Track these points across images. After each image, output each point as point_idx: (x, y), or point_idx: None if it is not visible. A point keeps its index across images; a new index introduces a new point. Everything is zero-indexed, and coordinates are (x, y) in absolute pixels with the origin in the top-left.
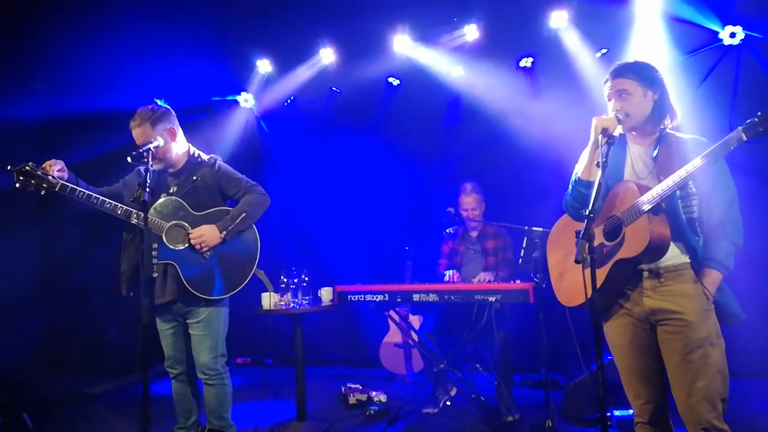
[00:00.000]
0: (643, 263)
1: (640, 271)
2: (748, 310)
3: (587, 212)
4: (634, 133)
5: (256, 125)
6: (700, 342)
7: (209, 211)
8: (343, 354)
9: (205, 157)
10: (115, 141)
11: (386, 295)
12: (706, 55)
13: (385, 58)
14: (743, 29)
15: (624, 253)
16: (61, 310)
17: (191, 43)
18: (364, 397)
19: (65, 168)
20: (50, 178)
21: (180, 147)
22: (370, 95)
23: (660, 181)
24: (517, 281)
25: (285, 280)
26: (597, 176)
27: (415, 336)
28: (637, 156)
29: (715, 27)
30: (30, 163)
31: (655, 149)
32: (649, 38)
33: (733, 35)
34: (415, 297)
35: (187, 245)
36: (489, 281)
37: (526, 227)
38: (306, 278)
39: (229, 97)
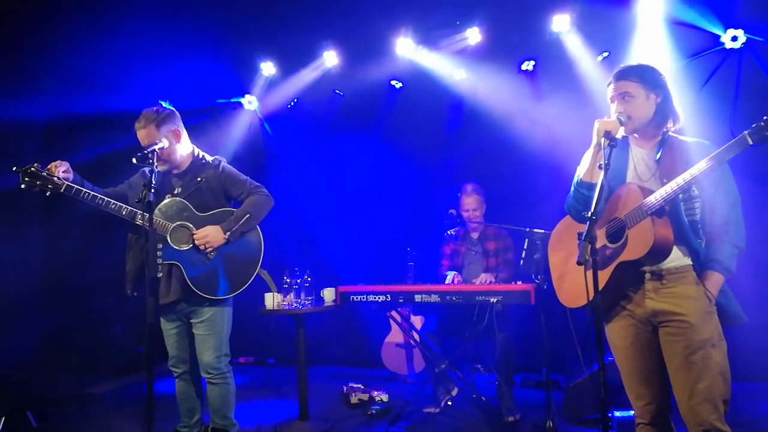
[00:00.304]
0: (645, 265)
1: (642, 273)
2: (750, 313)
3: (589, 214)
4: (636, 135)
5: (259, 127)
6: (702, 344)
7: (213, 212)
8: (345, 354)
9: (209, 158)
10: (120, 142)
11: (388, 295)
12: (708, 59)
13: (388, 61)
14: (745, 33)
15: (627, 255)
16: (66, 310)
17: (196, 46)
18: (365, 397)
19: (70, 169)
20: (55, 179)
21: (184, 148)
22: (373, 98)
23: (663, 183)
24: (519, 282)
25: (288, 280)
26: (599, 178)
27: (416, 336)
28: (639, 158)
29: (716, 30)
30: (35, 164)
31: (658, 152)
32: (651, 42)
33: (734, 39)
34: (417, 298)
35: (191, 246)
36: (490, 282)
37: (528, 229)
38: (309, 279)
39: (233, 100)
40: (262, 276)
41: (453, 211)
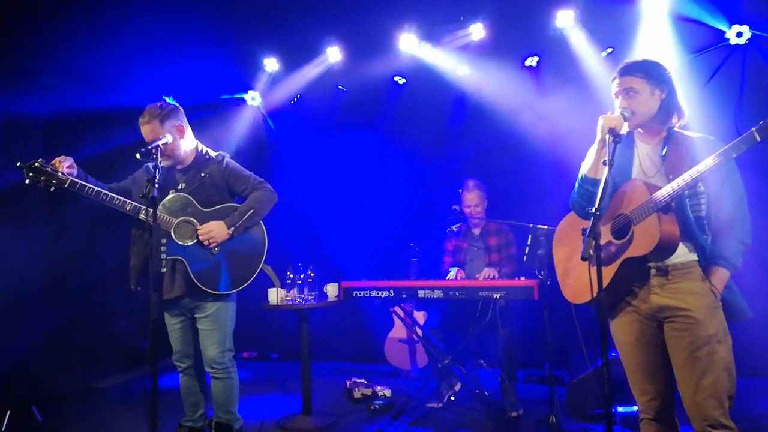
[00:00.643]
0: (651, 261)
1: (647, 269)
2: (756, 308)
3: (593, 210)
4: (641, 131)
5: (263, 123)
6: (708, 339)
7: (217, 207)
8: (349, 349)
9: (213, 154)
10: (123, 138)
11: (391, 291)
12: (713, 55)
13: (391, 56)
14: (750, 29)
15: (632, 251)
16: (71, 305)
17: (199, 42)
18: (369, 392)
19: (74, 164)
20: (60, 174)
21: (188, 144)
22: (376, 94)
23: (668, 179)
24: (522, 278)
25: (291, 275)
26: (603, 174)
27: (419, 332)
28: (644, 154)
29: (721, 26)
30: (40, 160)
31: (663, 148)
32: (656, 37)
33: (739, 35)
34: (420, 293)
35: (195, 241)
36: (493, 277)
37: (531, 225)
38: (312, 274)
39: (237, 95)
40: (265, 271)
41: (456, 206)
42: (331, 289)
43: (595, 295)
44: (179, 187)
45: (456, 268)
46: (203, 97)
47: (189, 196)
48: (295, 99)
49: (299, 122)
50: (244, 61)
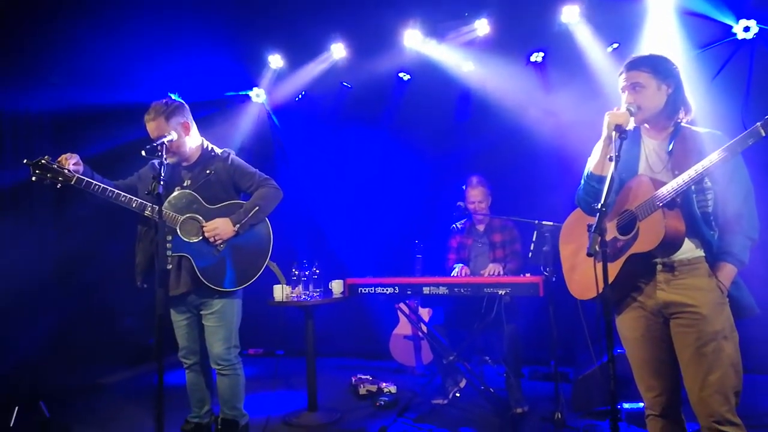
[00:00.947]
0: (657, 257)
1: (653, 265)
2: (763, 304)
3: (599, 206)
4: (647, 126)
5: (267, 120)
6: (714, 335)
7: (223, 204)
8: (354, 346)
9: (218, 150)
10: (129, 135)
11: (396, 288)
12: (720, 50)
13: (395, 53)
14: (757, 23)
15: (638, 247)
16: (77, 302)
17: (204, 39)
18: (374, 388)
19: (80, 161)
20: (66, 171)
21: (194, 141)
22: (381, 90)
23: (674, 175)
24: (527, 275)
25: (297, 272)
26: (609, 171)
27: (424, 328)
28: (651, 150)
29: (728, 21)
30: (46, 157)
31: (670, 143)
32: (662, 32)
33: (747, 29)
34: (425, 290)
35: (201, 238)
36: (498, 273)
37: (537, 221)
38: (317, 271)
39: (242, 92)
40: (271, 268)
41: (461, 203)
42: (336, 286)
43: (600, 291)
44: (185, 184)
45: (460, 265)
46: (208, 94)
47: (194, 193)
48: (300, 96)
49: (304, 119)
50: (249, 58)
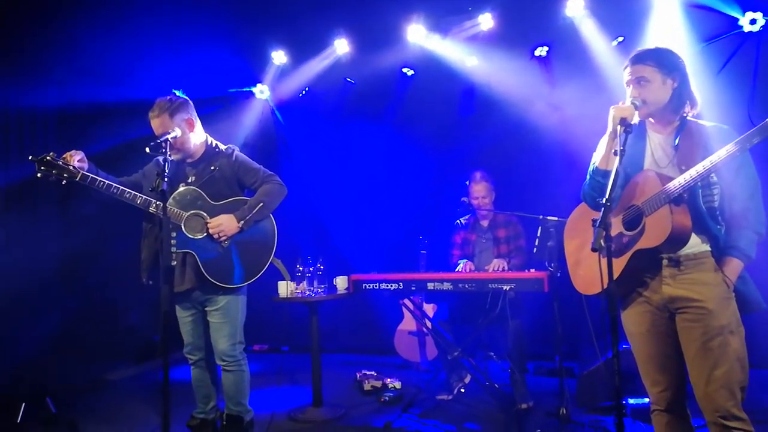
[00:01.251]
0: (663, 252)
1: (659, 260)
2: None
3: (604, 200)
4: (653, 120)
5: (271, 116)
6: (720, 330)
7: (227, 200)
8: (358, 341)
9: (222, 147)
10: (133, 131)
11: (401, 283)
12: (726, 43)
13: (399, 48)
14: (764, 15)
15: (644, 243)
16: (83, 298)
17: (208, 36)
18: (378, 384)
19: (85, 158)
20: (71, 167)
21: (198, 137)
22: (385, 86)
23: (681, 170)
24: (532, 270)
25: (301, 268)
26: (614, 165)
27: (429, 324)
28: (657, 144)
29: (735, 13)
30: (51, 154)
31: (676, 138)
32: (667, 25)
33: (753, 22)
34: (430, 286)
35: (205, 234)
36: (503, 268)
37: (541, 216)
38: (321, 267)
39: (245, 89)
40: (275, 264)
41: (465, 198)
42: (341, 282)
43: (605, 286)
44: (189, 181)
45: (465, 260)
46: (212, 90)
47: (199, 190)
48: (304, 92)
49: (308, 115)
50: (253, 54)
